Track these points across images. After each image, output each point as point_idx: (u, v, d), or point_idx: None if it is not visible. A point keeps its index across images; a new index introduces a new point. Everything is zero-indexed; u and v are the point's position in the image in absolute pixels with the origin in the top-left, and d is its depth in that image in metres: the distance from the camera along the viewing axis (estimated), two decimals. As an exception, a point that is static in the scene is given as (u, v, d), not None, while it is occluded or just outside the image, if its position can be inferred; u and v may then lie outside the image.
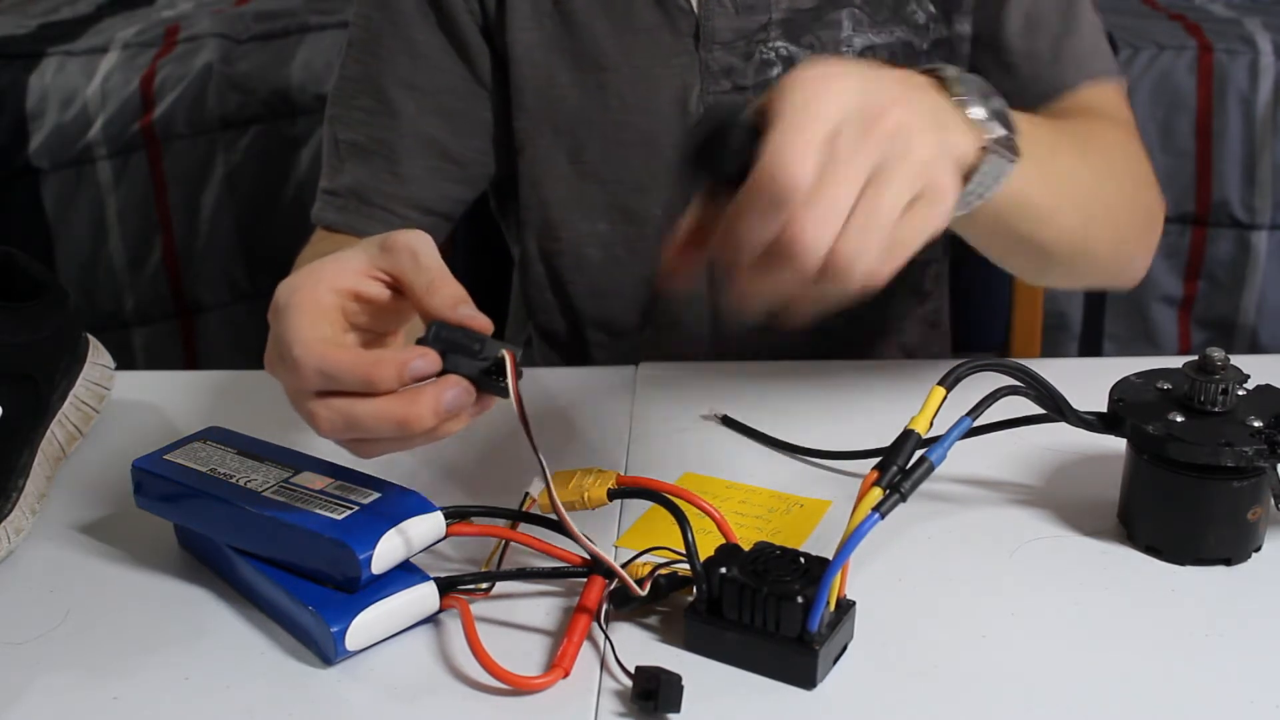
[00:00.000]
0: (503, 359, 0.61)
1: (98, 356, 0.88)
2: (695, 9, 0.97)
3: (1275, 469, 0.69)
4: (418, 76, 0.99)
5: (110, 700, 0.62)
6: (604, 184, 1.02)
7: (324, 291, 0.62)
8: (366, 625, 0.63)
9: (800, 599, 0.60)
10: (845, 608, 0.63)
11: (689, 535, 0.64)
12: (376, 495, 0.66)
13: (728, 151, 0.60)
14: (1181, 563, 0.70)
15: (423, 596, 0.65)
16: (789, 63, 0.98)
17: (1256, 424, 0.68)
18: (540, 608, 0.67)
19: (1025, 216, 0.75)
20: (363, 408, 0.59)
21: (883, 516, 0.60)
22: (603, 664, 0.63)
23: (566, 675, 0.61)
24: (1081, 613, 0.66)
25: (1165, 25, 1.93)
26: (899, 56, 0.98)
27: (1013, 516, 0.75)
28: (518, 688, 0.61)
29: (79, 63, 1.91)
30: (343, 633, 0.62)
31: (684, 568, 0.65)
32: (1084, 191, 0.82)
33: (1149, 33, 1.90)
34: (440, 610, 0.66)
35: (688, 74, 0.99)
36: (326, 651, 0.63)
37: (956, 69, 0.67)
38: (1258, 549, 0.71)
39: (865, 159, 0.58)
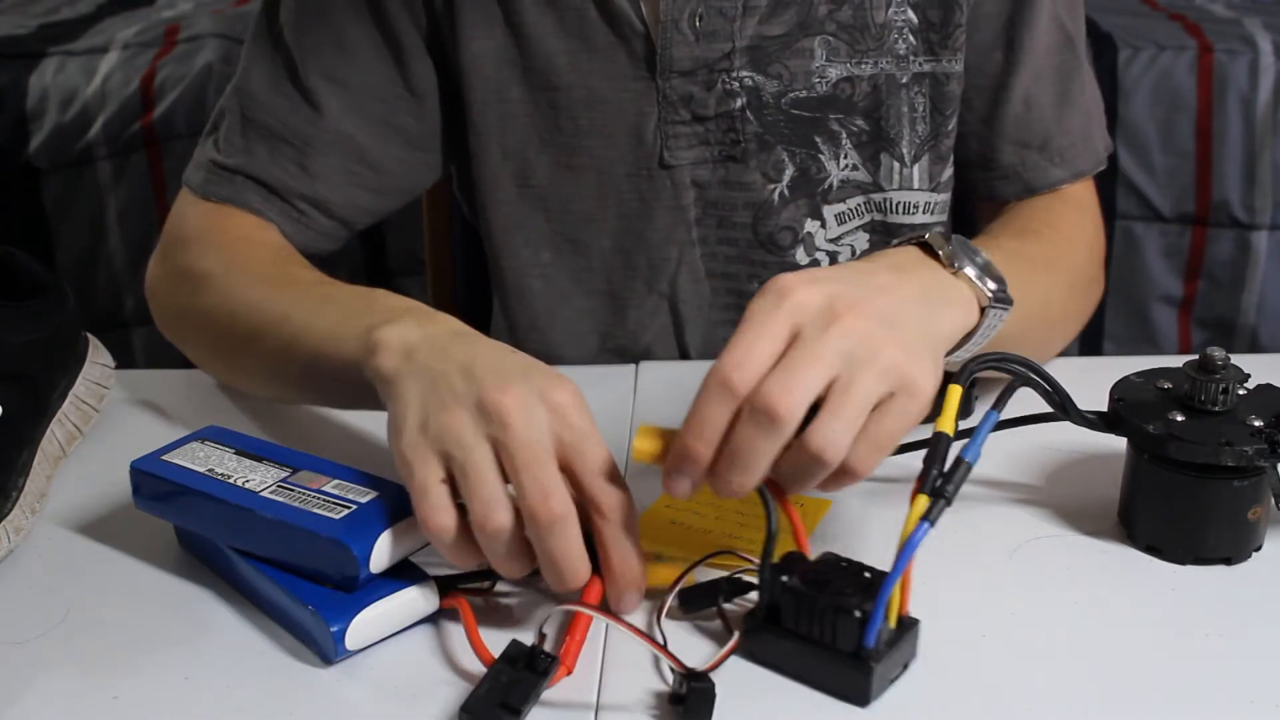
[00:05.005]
0: None
1: (98, 355, 0.88)
2: (649, 32, 0.91)
3: (1275, 468, 0.69)
4: (343, 71, 0.93)
5: (110, 700, 0.62)
6: (550, 211, 0.97)
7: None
8: (366, 625, 0.63)
9: (858, 613, 0.59)
10: (907, 625, 0.62)
11: (770, 544, 0.62)
12: (375, 494, 0.66)
13: None
14: (1181, 563, 0.70)
15: (423, 596, 0.65)
16: (754, 93, 0.92)
17: (1257, 423, 0.68)
18: (541, 606, 0.67)
19: (1002, 339, 0.76)
20: (569, 530, 0.61)
21: (932, 524, 0.59)
22: (603, 662, 0.63)
23: (569, 673, 0.61)
24: (1081, 613, 0.66)
25: (1165, 25, 1.93)
26: (881, 89, 0.93)
27: (1013, 516, 0.75)
28: (518, 687, 0.61)
29: (79, 63, 1.91)
30: (342, 632, 0.62)
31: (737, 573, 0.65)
32: (1053, 307, 0.88)
33: (1149, 33, 1.90)
34: (440, 609, 0.66)
35: (644, 101, 0.92)
36: (326, 651, 0.63)
37: (940, 231, 0.70)
38: (1258, 549, 0.71)
39: (825, 351, 0.60)
